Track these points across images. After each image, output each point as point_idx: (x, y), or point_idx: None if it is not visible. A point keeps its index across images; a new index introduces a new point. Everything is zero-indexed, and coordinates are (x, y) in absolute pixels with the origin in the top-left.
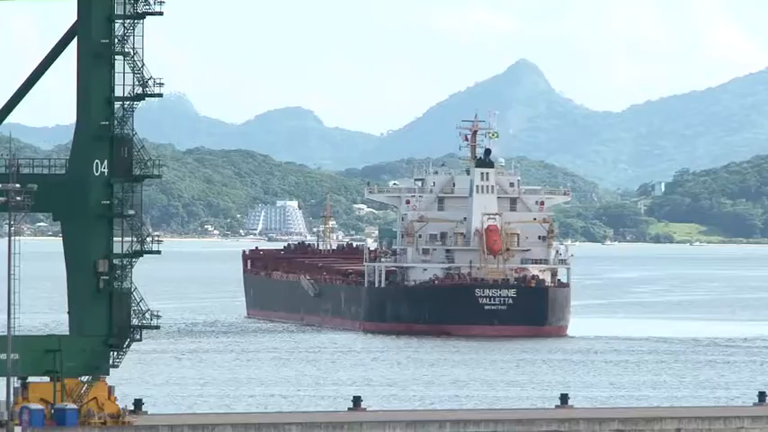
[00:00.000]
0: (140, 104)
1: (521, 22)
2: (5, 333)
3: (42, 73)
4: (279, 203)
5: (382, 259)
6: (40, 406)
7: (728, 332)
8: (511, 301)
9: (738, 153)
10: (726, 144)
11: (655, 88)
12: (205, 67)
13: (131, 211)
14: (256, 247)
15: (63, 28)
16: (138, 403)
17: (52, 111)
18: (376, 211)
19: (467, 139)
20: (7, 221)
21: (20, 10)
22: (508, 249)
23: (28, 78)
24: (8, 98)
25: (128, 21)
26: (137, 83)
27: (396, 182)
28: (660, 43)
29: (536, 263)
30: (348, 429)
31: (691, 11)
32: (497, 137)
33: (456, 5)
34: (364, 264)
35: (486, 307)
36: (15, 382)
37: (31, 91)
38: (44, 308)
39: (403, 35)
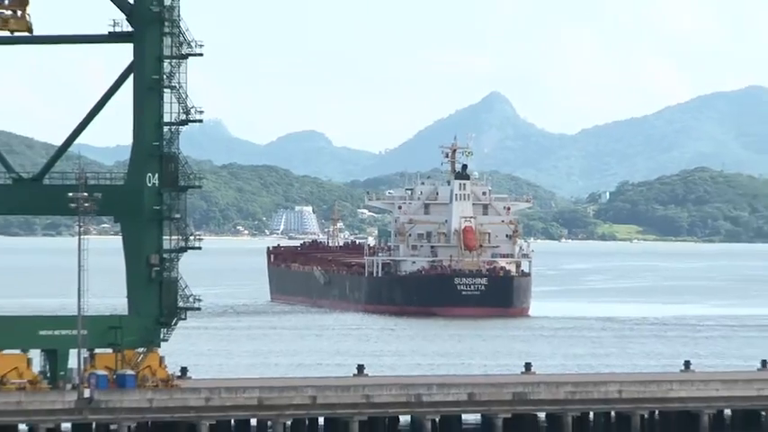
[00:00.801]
0: (184, 128)
1: (493, 61)
2: (76, 314)
3: (106, 102)
4: (297, 208)
5: (379, 254)
6: (104, 372)
7: (661, 312)
8: (483, 287)
9: (668, 168)
10: (658, 161)
11: (601, 115)
12: (237, 97)
13: (177, 215)
14: (278, 244)
15: (122, 66)
16: (183, 370)
17: (113, 133)
18: (375, 215)
19: (447, 157)
20: (78, 223)
21: (89, 51)
22: (481, 246)
23: (94, 106)
24: (78, 123)
25: (174, 60)
26: (181, 111)
27: (391, 191)
28: (606, 77)
29: (503, 257)
30: (353, 391)
31: (632, 49)
32: (472, 155)
33: (441, 47)
34: (365, 257)
35: (464, 293)
36: (85, 353)
37: (96, 117)
38: (108, 294)
39: (398, 71)
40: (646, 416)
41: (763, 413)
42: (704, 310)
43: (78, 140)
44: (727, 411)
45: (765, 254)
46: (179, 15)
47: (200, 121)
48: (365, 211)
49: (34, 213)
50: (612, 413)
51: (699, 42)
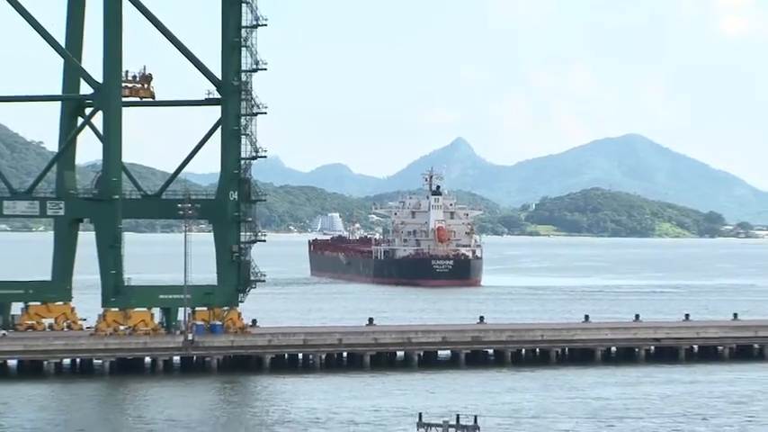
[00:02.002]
0: (254, 162)
1: (460, 115)
2: (183, 284)
3: (203, 144)
4: (329, 215)
5: (382, 244)
6: (201, 323)
7: (569, 283)
8: (450, 267)
9: (574, 188)
10: (567, 183)
11: (530, 152)
12: (289, 140)
13: (250, 219)
14: (316, 238)
15: (213, 120)
16: (254, 321)
17: (208, 164)
18: (380, 219)
19: (427, 180)
20: (184, 225)
21: (192, 110)
22: (449, 239)
23: (195, 147)
24: (184, 158)
25: (247, 117)
26: (252, 150)
27: (390, 203)
28: (532, 127)
29: (464, 246)
30: (366, 335)
31: (551, 108)
32: (443, 179)
33: (426, 105)
34: (372, 247)
35: (437, 270)
36: (189, 310)
37: (196, 154)
38: (204, 271)
39: (398, 122)
40: (559, 351)
41: (637, 350)
42: (597, 281)
43: (185, 170)
44: (613, 348)
45: (635, 245)
46: (251, 87)
47: (264, 156)
48: (374, 216)
49: (155, 218)
50: (537, 349)
51: (597, 100)
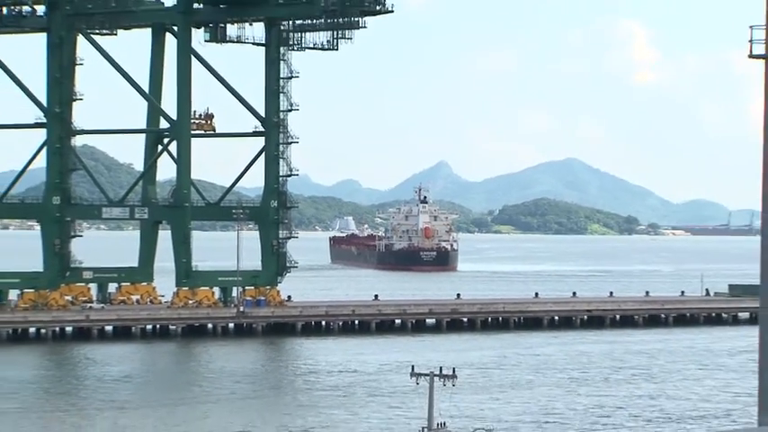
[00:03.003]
0: (289, 178)
1: (442, 141)
2: (236, 269)
3: (250, 167)
4: (344, 218)
5: (384, 240)
6: (250, 298)
7: (524, 268)
8: (434, 256)
9: (528, 198)
10: (523, 194)
11: (494, 170)
12: (314, 160)
13: (286, 221)
14: (335, 236)
15: (258, 148)
16: (289, 297)
17: (254, 180)
18: (383, 221)
19: (416, 193)
20: (237, 226)
21: (242, 141)
22: (433, 236)
23: (245, 168)
24: (237, 176)
25: (284, 145)
26: (287, 170)
27: (390, 209)
28: (496, 150)
29: (444, 241)
30: (372, 308)
31: (508, 134)
32: (428, 191)
33: (416, 135)
34: (377, 242)
35: (425, 259)
36: (240, 289)
37: (246, 173)
38: (251, 260)
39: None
40: (516, 320)
41: (573, 318)
42: (544, 268)
43: (237, 185)
44: (556, 317)
45: (573, 241)
46: (287, 123)
47: (297, 174)
48: (378, 219)
49: (215, 220)
50: (500, 318)
51: (545, 132)
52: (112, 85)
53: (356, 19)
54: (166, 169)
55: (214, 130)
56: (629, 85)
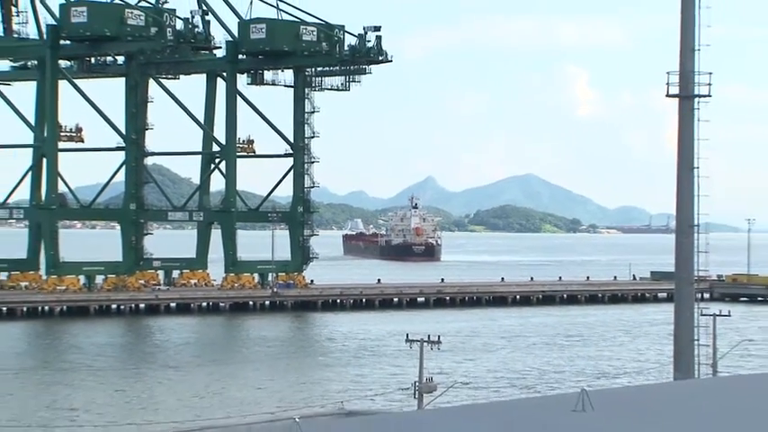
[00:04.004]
0: (312, 190)
1: (431, 160)
2: (271, 259)
3: (282, 180)
4: (354, 220)
5: (384, 237)
6: (282, 281)
7: (495, 258)
8: (423, 249)
9: (496, 203)
10: (492, 201)
11: (470, 183)
12: (331, 174)
13: (309, 222)
14: (347, 234)
15: (287, 167)
16: (311, 281)
17: (285, 191)
18: (384, 222)
19: (410, 201)
20: (272, 226)
21: (274, 161)
22: (422, 234)
23: (278, 182)
24: (271, 188)
25: (308, 164)
26: (311, 183)
27: (390, 213)
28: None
29: (431, 238)
30: (376, 289)
31: (484, 155)
32: (419, 200)
33: (410, 157)
34: (379, 239)
35: (416, 251)
36: (274, 275)
37: (279, 186)
38: (283, 252)
39: (394, 167)
40: (487, 298)
41: (531, 297)
42: (509, 258)
43: (272, 195)
44: (517, 297)
45: (530, 238)
46: (310, 147)
47: (318, 186)
48: (381, 221)
49: (255, 222)
50: (474, 297)
51: (510, 154)
52: (176, 118)
53: (363, 66)
54: (217, 182)
55: (254, 152)
56: (574, 116)
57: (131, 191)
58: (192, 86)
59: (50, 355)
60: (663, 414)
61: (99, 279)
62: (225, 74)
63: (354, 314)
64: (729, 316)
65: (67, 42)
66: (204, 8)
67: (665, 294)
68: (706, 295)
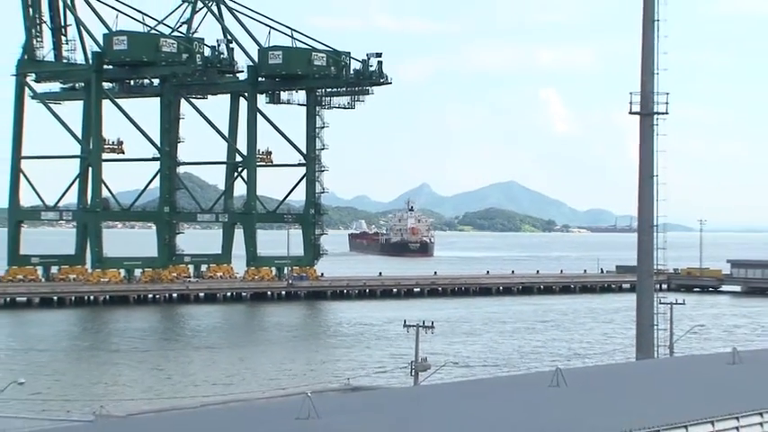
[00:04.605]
0: (322, 195)
1: (426, 169)
2: (286, 255)
3: (296, 186)
4: (359, 221)
5: (385, 236)
6: (296, 274)
7: (480, 254)
8: (418, 246)
9: (483, 206)
10: (480, 204)
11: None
12: (338, 180)
13: (320, 223)
14: (352, 233)
15: (299, 176)
16: (322, 274)
17: (299, 195)
18: (384, 223)
19: (407, 204)
20: (287, 227)
21: (290, 170)
22: (417, 233)
23: (292, 187)
24: (286, 193)
25: (318, 172)
26: (321, 189)
27: (389, 215)
28: (460, 175)
29: (425, 237)
30: (377, 281)
31: (471, 164)
32: (415, 203)
33: (407, 166)
34: (380, 237)
35: (412, 248)
36: (289, 268)
37: (293, 191)
38: (297, 248)
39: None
40: (474, 289)
41: (512, 288)
42: (493, 254)
43: (287, 199)
44: (500, 287)
45: (512, 236)
46: (321, 157)
47: (327, 192)
48: (382, 222)
49: (273, 223)
50: (463, 288)
51: (495, 163)
52: (204, 132)
53: (367, 88)
54: (240, 188)
55: (272, 162)
56: (550, 131)
57: (165, 196)
58: (217, 105)
59: (99, 339)
60: (627, 389)
61: (137, 272)
62: (246, 94)
63: (359, 303)
64: (684, 304)
65: (110, 67)
66: (229, 37)
67: (628, 285)
68: (664, 286)
